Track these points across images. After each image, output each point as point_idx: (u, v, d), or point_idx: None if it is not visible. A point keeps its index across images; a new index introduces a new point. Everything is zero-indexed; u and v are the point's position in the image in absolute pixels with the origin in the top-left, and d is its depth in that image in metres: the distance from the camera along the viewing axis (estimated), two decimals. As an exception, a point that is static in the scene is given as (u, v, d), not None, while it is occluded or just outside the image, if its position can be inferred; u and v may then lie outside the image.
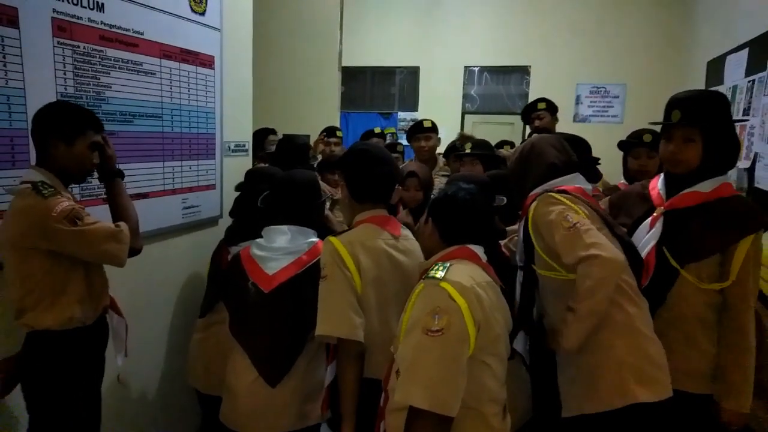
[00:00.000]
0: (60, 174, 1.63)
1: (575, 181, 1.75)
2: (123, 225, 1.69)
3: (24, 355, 1.64)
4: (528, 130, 4.02)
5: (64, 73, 1.88)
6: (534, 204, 1.70)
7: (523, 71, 6.52)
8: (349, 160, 1.76)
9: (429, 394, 1.23)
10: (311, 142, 3.81)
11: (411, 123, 6.85)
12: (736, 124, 2.10)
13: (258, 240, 1.89)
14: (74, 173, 1.67)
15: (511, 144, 3.93)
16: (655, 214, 1.75)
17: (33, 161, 1.75)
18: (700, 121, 1.65)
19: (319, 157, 3.55)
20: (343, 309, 1.57)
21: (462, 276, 1.33)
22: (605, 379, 1.56)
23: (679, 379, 1.62)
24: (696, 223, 1.66)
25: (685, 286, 1.66)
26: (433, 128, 3.35)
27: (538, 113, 3.45)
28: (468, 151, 2.90)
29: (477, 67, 6.67)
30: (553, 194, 1.66)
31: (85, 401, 1.73)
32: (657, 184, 1.82)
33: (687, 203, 1.68)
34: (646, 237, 1.74)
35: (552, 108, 3.48)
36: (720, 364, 1.65)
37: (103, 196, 2.04)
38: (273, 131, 3.53)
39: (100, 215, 1.74)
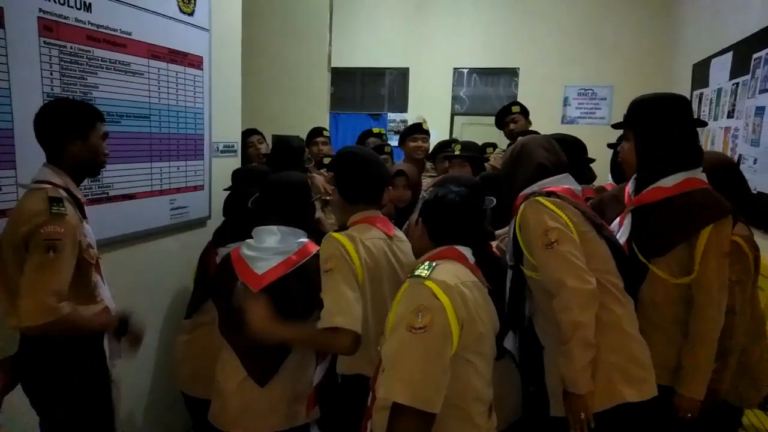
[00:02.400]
0: (74, 170, 1.65)
1: (564, 182, 1.77)
2: (67, 308, 1.49)
3: (19, 356, 1.64)
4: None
5: (51, 73, 1.87)
6: (522, 207, 1.71)
7: (512, 73, 6.56)
8: (339, 162, 1.81)
9: (411, 390, 1.24)
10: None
11: (401, 124, 6.92)
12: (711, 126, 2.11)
13: (248, 240, 1.89)
14: (91, 166, 1.70)
15: (494, 146, 3.95)
16: (624, 212, 1.80)
17: (18, 161, 1.75)
18: (626, 123, 1.78)
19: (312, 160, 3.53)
20: (349, 300, 1.57)
21: (447, 275, 1.35)
22: (593, 380, 1.58)
23: (657, 374, 1.64)
24: (658, 217, 1.69)
25: (655, 281, 1.69)
26: (428, 132, 3.47)
27: (513, 117, 3.46)
28: (457, 152, 2.91)
29: (466, 68, 6.70)
30: (541, 199, 1.66)
31: (90, 400, 1.69)
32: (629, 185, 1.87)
33: (650, 199, 1.72)
34: (618, 235, 1.79)
35: (525, 111, 3.50)
36: (682, 352, 1.67)
37: (92, 197, 2.02)
38: (256, 131, 3.48)
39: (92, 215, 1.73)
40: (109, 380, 1.76)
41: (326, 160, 3.22)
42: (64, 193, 1.57)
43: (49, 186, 1.56)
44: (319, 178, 2.87)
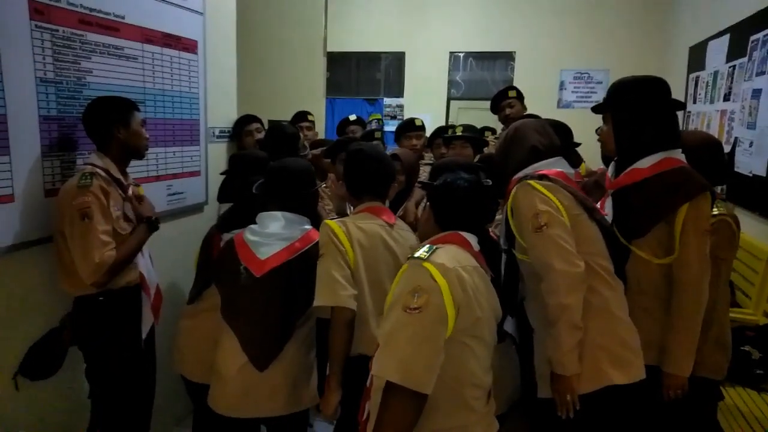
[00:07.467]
0: (121, 156, 1.94)
1: (557, 165, 1.77)
2: (108, 258, 1.78)
3: (72, 312, 1.94)
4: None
5: (43, 58, 1.85)
6: (513, 190, 1.71)
7: (508, 57, 6.52)
8: (347, 158, 1.90)
9: (402, 369, 1.25)
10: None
11: (397, 109, 6.88)
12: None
13: (251, 226, 1.90)
14: (136, 150, 1.98)
15: (492, 130, 3.93)
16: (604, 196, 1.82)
17: (12, 146, 1.75)
18: (604, 106, 1.80)
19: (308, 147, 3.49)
20: (336, 279, 1.66)
21: (446, 258, 1.35)
22: (580, 362, 1.59)
23: (643, 354, 1.65)
24: (636, 199, 1.70)
25: (638, 262, 1.71)
26: (423, 126, 3.34)
27: (509, 101, 3.41)
28: (459, 132, 2.88)
29: (462, 52, 6.65)
30: (533, 182, 1.66)
31: (129, 357, 2.00)
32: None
33: (628, 181, 1.73)
34: None
35: (521, 96, 3.46)
36: (666, 330, 1.68)
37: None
38: (255, 118, 3.39)
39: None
40: (140, 339, 2.06)
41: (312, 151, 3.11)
42: (101, 173, 1.83)
43: (89, 166, 1.84)
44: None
